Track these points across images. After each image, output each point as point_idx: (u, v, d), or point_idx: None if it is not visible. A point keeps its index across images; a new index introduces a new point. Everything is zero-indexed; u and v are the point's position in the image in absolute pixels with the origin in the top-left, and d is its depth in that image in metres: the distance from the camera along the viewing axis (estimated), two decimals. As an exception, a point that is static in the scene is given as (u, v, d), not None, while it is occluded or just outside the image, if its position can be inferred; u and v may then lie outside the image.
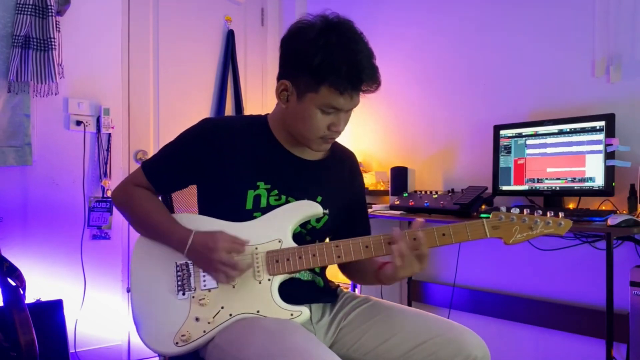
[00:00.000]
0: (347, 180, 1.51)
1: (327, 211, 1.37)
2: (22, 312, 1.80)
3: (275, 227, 1.33)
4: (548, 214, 1.28)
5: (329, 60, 1.21)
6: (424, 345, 1.28)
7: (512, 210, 1.29)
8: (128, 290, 1.49)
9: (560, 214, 1.28)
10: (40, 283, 2.51)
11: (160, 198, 1.60)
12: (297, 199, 1.37)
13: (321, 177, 1.43)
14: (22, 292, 1.87)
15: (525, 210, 1.29)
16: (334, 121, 1.30)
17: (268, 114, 1.45)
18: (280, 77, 1.33)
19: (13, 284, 1.86)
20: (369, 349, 1.33)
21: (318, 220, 1.40)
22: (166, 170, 1.41)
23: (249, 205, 1.34)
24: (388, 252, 1.29)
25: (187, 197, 1.65)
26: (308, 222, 1.39)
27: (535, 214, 1.28)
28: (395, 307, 1.41)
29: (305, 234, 1.39)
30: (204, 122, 1.42)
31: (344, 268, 1.52)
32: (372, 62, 1.26)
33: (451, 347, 1.26)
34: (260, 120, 1.44)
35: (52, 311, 2.41)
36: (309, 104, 1.27)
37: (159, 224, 1.36)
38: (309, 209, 1.35)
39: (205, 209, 1.41)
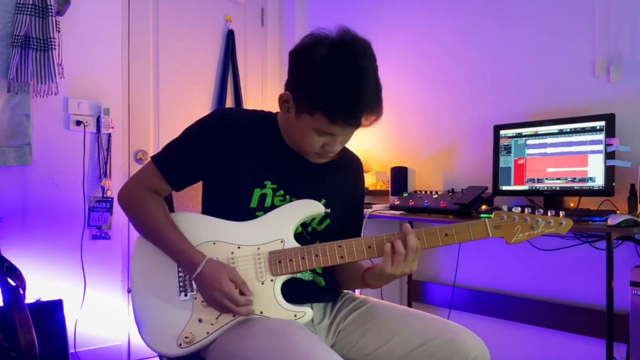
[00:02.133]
0: (351, 184, 1.51)
1: (328, 210, 1.37)
2: (22, 312, 1.80)
3: (277, 226, 1.32)
4: (549, 213, 1.29)
5: (326, 90, 1.19)
6: (423, 346, 1.28)
7: (514, 209, 1.29)
8: (129, 291, 1.49)
9: (561, 213, 1.29)
10: (40, 283, 2.51)
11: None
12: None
13: (326, 180, 1.43)
14: (22, 292, 1.86)
15: (526, 210, 1.29)
16: (328, 142, 1.29)
17: (278, 112, 1.43)
18: (285, 87, 1.31)
19: (13, 284, 1.86)
20: (369, 350, 1.33)
21: (320, 222, 1.40)
22: (179, 163, 1.38)
23: (254, 203, 1.34)
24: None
25: (187, 197, 1.65)
26: (309, 224, 1.39)
27: (537, 213, 1.28)
28: (394, 308, 1.41)
29: (305, 235, 1.39)
30: (215, 113, 1.41)
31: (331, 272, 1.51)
32: (374, 96, 1.22)
33: (451, 348, 1.26)
34: (270, 118, 1.42)
35: (52, 311, 2.41)
36: (304, 123, 1.26)
37: (170, 240, 1.32)
38: (310, 208, 1.35)
39: (208, 205, 1.41)
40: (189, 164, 1.38)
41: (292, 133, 1.34)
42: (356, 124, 1.24)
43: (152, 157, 1.42)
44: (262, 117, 1.43)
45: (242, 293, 1.26)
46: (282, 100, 1.31)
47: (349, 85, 1.18)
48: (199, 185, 1.46)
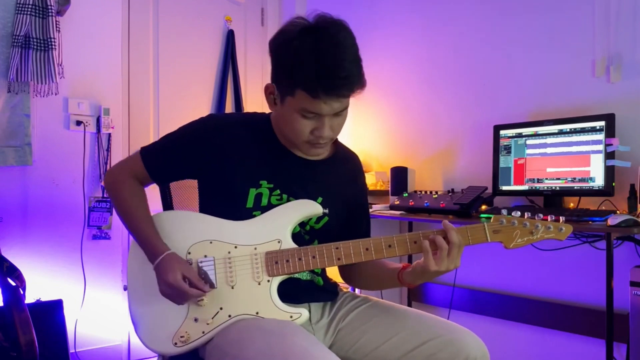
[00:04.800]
0: (349, 181, 1.50)
1: (326, 211, 1.36)
2: (22, 312, 1.81)
3: (274, 226, 1.32)
4: (549, 217, 1.27)
5: (299, 64, 1.18)
6: (423, 346, 1.28)
7: (513, 214, 1.27)
8: (125, 289, 1.49)
9: (561, 219, 1.27)
10: (40, 283, 2.51)
11: (161, 194, 1.61)
12: (298, 199, 1.36)
13: (323, 178, 1.42)
14: (22, 292, 1.87)
15: (526, 214, 1.28)
16: (316, 126, 1.27)
17: (271, 112, 1.44)
18: (271, 80, 1.32)
19: (13, 284, 1.87)
20: (369, 350, 1.33)
21: (318, 220, 1.40)
22: (163, 159, 1.41)
23: (250, 203, 1.34)
24: (389, 255, 1.28)
25: (187, 194, 1.65)
26: (307, 222, 1.39)
27: (537, 217, 1.27)
28: (394, 307, 1.41)
29: (303, 234, 1.39)
30: (208, 118, 1.42)
31: (350, 276, 1.50)
32: (352, 65, 1.21)
33: (451, 349, 1.26)
34: (263, 119, 1.43)
35: (52, 311, 2.41)
36: (289, 107, 1.25)
37: (139, 229, 1.35)
38: (308, 208, 1.34)
39: (205, 205, 1.41)
40: (173, 162, 1.40)
41: (281, 124, 1.34)
42: (337, 95, 1.21)
43: (141, 148, 1.44)
44: (255, 119, 1.44)
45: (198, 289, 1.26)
46: (267, 92, 1.32)
47: (324, 56, 1.18)
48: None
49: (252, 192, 1.34)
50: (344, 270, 1.51)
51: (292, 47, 1.20)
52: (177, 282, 1.24)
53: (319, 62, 1.18)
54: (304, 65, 1.18)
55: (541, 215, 1.27)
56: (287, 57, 1.21)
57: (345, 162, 1.51)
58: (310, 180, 1.40)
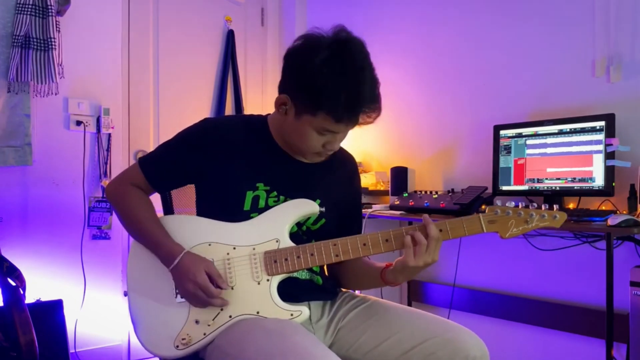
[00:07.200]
0: (346, 183, 1.51)
1: (323, 209, 1.37)
2: (22, 312, 1.80)
3: (272, 226, 1.32)
4: (543, 207, 1.28)
5: (329, 88, 1.21)
6: (422, 345, 1.28)
7: (508, 204, 1.29)
8: (125, 294, 1.49)
9: (555, 207, 1.28)
10: (40, 283, 2.51)
11: (161, 197, 1.61)
12: None
13: (320, 180, 1.43)
14: (22, 292, 1.87)
15: (520, 204, 1.29)
16: (329, 140, 1.31)
17: (269, 114, 1.45)
18: (281, 89, 1.32)
19: (13, 284, 1.86)
20: (368, 349, 1.33)
21: (315, 222, 1.40)
22: (163, 168, 1.41)
23: (247, 206, 1.34)
24: (386, 250, 1.29)
25: (186, 197, 1.65)
26: (304, 223, 1.39)
27: (531, 207, 1.28)
28: (394, 307, 1.41)
29: (301, 235, 1.39)
30: (204, 122, 1.42)
31: (338, 275, 1.51)
32: (375, 92, 1.25)
33: (450, 348, 1.26)
34: (260, 121, 1.43)
35: (52, 311, 2.41)
36: (305, 123, 1.27)
37: (150, 233, 1.35)
38: (305, 208, 1.35)
39: (202, 209, 1.41)
40: (172, 170, 1.40)
41: (290, 134, 1.35)
42: (357, 121, 1.27)
43: (138, 159, 1.44)
44: (252, 122, 1.44)
45: (218, 286, 1.27)
46: (279, 102, 1.32)
47: (350, 85, 1.21)
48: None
49: (249, 194, 1.34)
50: (331, 269, 1.52)
51: (320, 73, 1.21)
52: (204, 280, 1.25)
53: (346, 91, 1.21)
54: (331, 92, 1.21)
55: (535, 205, 1.28)
56: (313, 81, 1.22)
57: (343, 165, 1.52)
58: (308, 182, 1.41)
